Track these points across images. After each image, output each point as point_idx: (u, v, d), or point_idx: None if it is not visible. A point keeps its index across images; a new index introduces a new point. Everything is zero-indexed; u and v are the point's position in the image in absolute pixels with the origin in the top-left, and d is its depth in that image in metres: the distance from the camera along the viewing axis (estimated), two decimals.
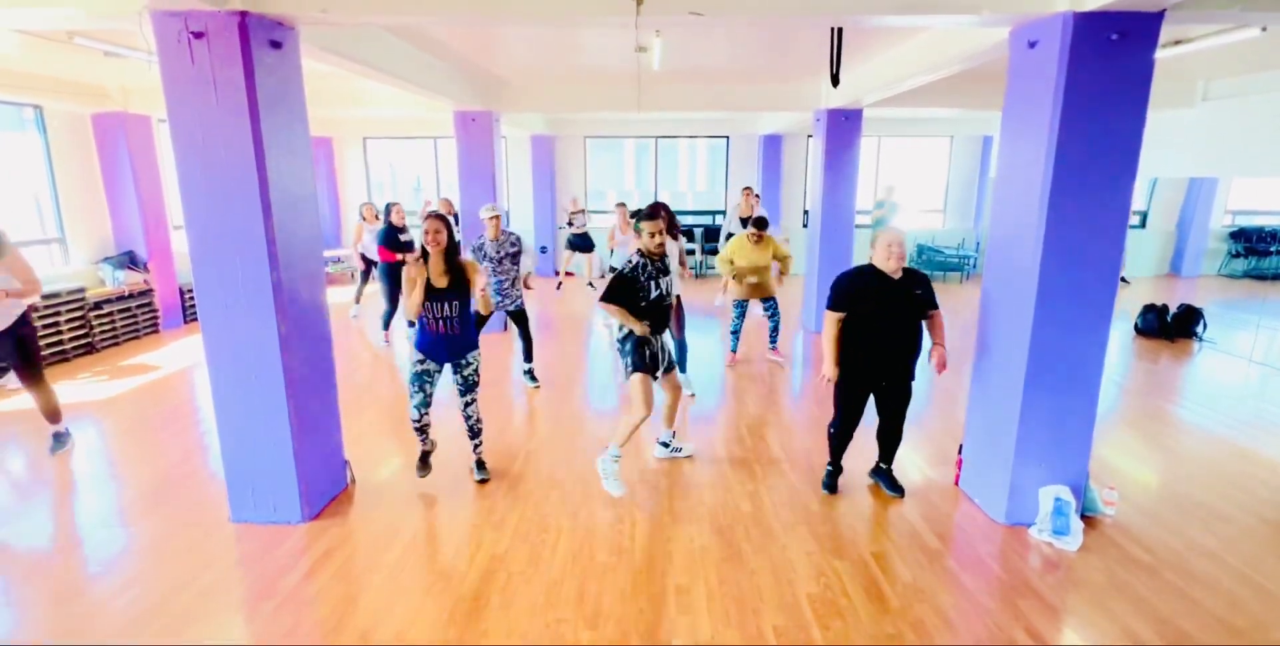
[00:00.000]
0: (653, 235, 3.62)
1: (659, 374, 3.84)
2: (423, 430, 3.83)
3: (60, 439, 4.45)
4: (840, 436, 3.82)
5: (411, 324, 3.90)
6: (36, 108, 6.72)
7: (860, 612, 2.82)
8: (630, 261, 3.68)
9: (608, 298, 3.63)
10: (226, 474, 3.49)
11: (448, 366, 3.78)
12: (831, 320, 3.61)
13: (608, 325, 8.02)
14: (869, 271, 3.61)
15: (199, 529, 3.46)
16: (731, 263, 5.95)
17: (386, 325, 7.31)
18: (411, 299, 3.58)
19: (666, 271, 3.79)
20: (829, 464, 3.91)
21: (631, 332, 3.69)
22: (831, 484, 3.87)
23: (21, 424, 4.88)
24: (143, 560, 3.21)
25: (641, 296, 3.66)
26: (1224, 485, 3.98)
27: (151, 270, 7.62)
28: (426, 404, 3.76)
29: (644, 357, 3.70)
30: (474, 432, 3.96)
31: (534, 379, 5.85)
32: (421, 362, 3.71)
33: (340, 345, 3.88)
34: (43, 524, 3.62)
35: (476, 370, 3.83)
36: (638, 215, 3.77)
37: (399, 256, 6.87)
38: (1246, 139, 6.30)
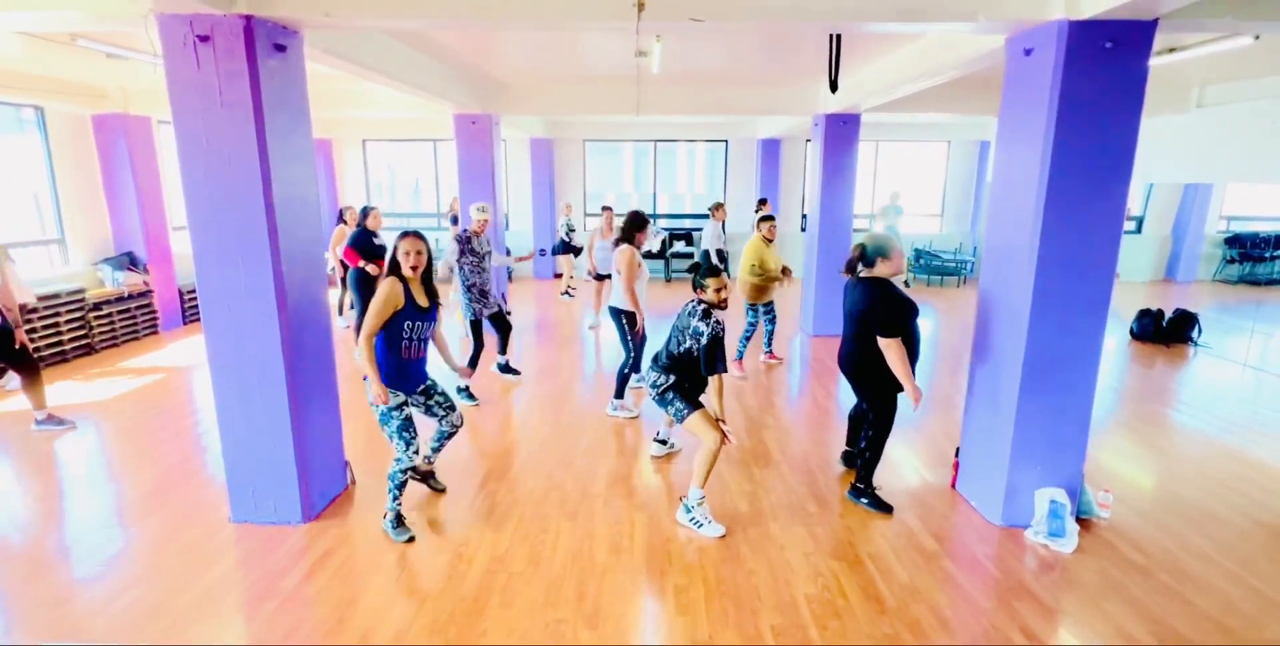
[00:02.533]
0: (718, 291, 3.51)
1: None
2: (410, 476, 3.48)
3: (57, 419, 4.86)
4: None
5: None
6: (37, 108, 6.73)
7: (857, 613, 2.84)
8: (718, 323, 3.46)
9: (723, 367, 3.45)
10: (227, 474, 3.51)
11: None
12: (899, 345, 3.45)
13: (593, 327, 8.09)
14: (895, 286, 3.55)
15: (199, 529, 3.48)
16: (762, 266, 5.89)
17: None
18: (377, 319, 3.11)
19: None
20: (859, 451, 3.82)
21: (672, 385, 3.53)
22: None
23: (22, 424, 4.89)
24: (143, 560, 3.22)
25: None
26: (1218, 488, 4.02)
27: (151, 271, 7.63)
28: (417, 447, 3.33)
29: (690, 397, 3.54)
30: (448, 439, 3.70)
31: (514, 371, 6.06)
32: (398, 404, 3.23)
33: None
34: (43, 524, 3.62)
35: (437, 384, 3.54)
36: (695, 270, 3.60)
37: (360, 263, 6.60)
38: (1241, 145, 6.35)
